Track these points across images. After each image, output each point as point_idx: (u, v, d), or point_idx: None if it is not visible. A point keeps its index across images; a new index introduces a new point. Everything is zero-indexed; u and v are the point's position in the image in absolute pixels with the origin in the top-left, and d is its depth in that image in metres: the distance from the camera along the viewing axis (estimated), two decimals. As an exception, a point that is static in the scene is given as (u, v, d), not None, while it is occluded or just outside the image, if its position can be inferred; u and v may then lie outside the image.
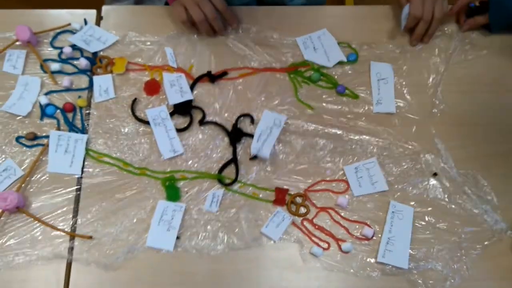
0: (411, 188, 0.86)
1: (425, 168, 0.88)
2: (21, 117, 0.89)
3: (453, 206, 0.84)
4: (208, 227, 0.82)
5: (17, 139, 0.87)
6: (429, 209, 0.84)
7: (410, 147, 0.90)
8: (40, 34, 0.95)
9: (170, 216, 0.82)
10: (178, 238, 0.81)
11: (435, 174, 0.87)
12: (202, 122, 0.91)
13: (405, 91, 0.95)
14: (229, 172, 0.87)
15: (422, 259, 0.80)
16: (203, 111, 0.92)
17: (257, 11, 1.04)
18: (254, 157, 0.88)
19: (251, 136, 0.90)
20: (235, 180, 0.86)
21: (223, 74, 0.95)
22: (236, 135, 0.90)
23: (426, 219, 0.83)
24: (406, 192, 0.85)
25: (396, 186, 0.86)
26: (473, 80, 0.97)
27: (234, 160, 0.88)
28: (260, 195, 0.85)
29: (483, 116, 0.94)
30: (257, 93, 0.94)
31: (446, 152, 0.89)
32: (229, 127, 0.91)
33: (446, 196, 0.85)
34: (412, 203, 0.85)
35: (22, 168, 0.84)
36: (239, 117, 0.91)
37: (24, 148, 0.86)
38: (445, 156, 0.88)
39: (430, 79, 0.97)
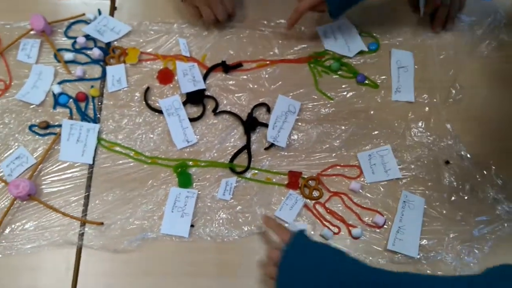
0: (424, 176, 0.85)
1: (438, 156, 0.86)
2: (34, 105, 0.89)
3: (465, 196, 0.83)
4: (222, 214, 0.81)
5: (30, 127, 0.87)
6: (441, 197, 0.83)
7: (424, 135, 0.88)
8: (54, 24, 0.95)
9: (183, 202, 0.81)
10: (192, 226, 0.80)
11: (447, 162, 0.85)
12: (216, 112, 0.89)
13: (423, 80, 0.93)
14: (242, 160, 0.86)
15: (432, 249, 0.79)
16: (216, 101, 0.90)
17: (274, 1, 1.02)
18: (269, 147, 0.86)
19: (266, 125, 0.88)
20: (247, 168, 0.84)
21: (238, 66, 0.93)
22: (251, 124, 0.88)
23: (438, 208, 0.82)
24: (418, 180, 0.84)
25: (408, 174, 0.85)
26: (491, 74, 0.94)
27: (247, 147, 0.86)
28: (273, 180, 0.84)
29: (499, 111, 0.91)
30: (274, 84, 0.92)
31: (459, 141, 0.87)
32: (244, 116, 0.89)
33: (458, 184, 0.84)
34: (424, 191, 0.83)
35: (35, 156, 0.85)
36: (255, 106, 0.90)
37: (37, 136, 0.86)
38: (458, 145, 0.87)
39: (448, 70, 0.94)
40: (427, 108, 0.91)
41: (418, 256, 0.78)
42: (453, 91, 0.92)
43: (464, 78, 0.93)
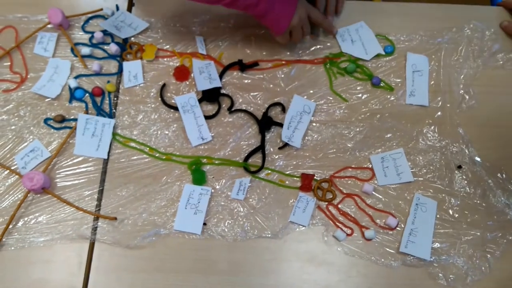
0: (435, 180, 0.83)
1: (450, 161, 0.84)
2: (50, 99, 0.86)
3: (477, 200, 0.81)
4: (235, 214, 0.79)
5: (45, 121, 0.84)
6: (453, 201, 0.81)
7: (437, 139, 0.86)
8: (72, 18, 0.93)
9: (197, 199, 0.79)
10: (204, 224, 0.77)
11: (459, 167, 0.83)
12: (231, 110, 0.87)
13: (437, 84, 0.91)
14: (256, 160, 0.83)
15: (444, 252, 0.77)
16: (231, 99, 0.88)
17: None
18: (283, 146, 0.84)
19: (280, 125, 0.85)
20: (261, 168, 0.82)
21: (254, 65, 0.91)
22: (266, 123, 0.86)
23: (450, 212, 0.80)
24: (430, 183, 0.82)
25: (421, 178, 0.83)
26: (505, 82, 0.92)
27: (261, 148, 0.84)
28: (286, 182, 0.82)
29: (511, 118, 0.89)
30: (289, 84, 0.90)
31: (471, 146, 0.85)
32: (258, 115, 0.86)
33: (470, 189, 0.82)
34: (436, 194, 0.81)
35: (49, 149, 0.82)
36: (270, 105, 0.87)
37: (52, 130, 0.84)
38: (471, 150, 0.85)
39: (462, 76, 0.91)
40: (440, 113, 0.88)
41: (431, 259, 0.76)
42: (467, 97, 0.90)
43: (478, 84, 0.91)
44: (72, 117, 0.85)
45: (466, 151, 0.85)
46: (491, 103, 0.89)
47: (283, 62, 0.92)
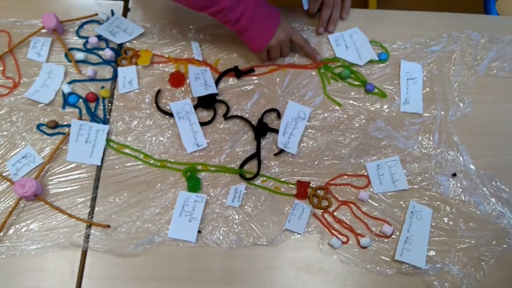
0: (430, 187, 0.80)
1: (445, 169, 0.82)
2: (43, 105, 0.83)
3: (471, 208, 0.79)
4: (230, 221, 0.76)
5: (38, 126, 0.81)
6: (448, 209, 0.79)
7: (431, 147, 0.83)
8: (66, 23, 0.89)
9: (192, 207, 0.76)
10: (199, 232, 0.74)
11: (454, 175, 0.81)
12: (227, 116, 0.84)
13: (431, 92, 0.88)
14: (252, 166, 0.80)
15: (439, 260, 0.75)
16: (227, 105, 0.84)
17: (287, 8, 0.97)
18: (279, 153, 0.81)
19: (276, 131, 0.82)
20: (257, 174, 0.79)
21: (250, 71, 0.88)
22: (261, 129, 0.83)
23: (445, 220, 0.78)
24: (425, 191, 0.80)
25: (416, 185, 0.80)
26: (499, 90, 0.90)
27: (257, 155, 0.81)
28: (282, 189, 0.79)
29: (506, 126, 0.87)
30: (284, 89, 0.87)
31: (466, 153, 0.83)
32: (254, 121, 0.83)
33: (465, 196, 0.79)
34: (431, 202, 0.79)
35: (42, 155, 0.78)
36: (265, 112, 0.84)
37: (45, 136, 0.80)
38: (465, 158, 0.82)
39: (456, 84, 0.89)
40: (435, 120, 0.86)
41: (426, 267, 0.74)
42: (461, 105, 0.87)
43: (472, 92, 0.89)
44: (65, 123, 0.81)
45: (461, 159, 0.82)
46: (485, 111, 0.87)
47: (278, 67, 0.89)
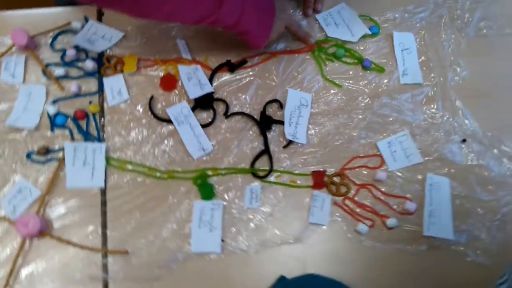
0: (443, 157, 0.76)
1: (454, 136, 0.78)
2: (28, 131, 0.72)
3: (485, 172, 0.75)
4: (251, 224, 0.70)
5: (28, 155, 0.71)
6: (464, 176, 0.75)
7: (437, 116, 0.79)
8: (37, 37, 0.78)
9: (209, 216, 0.69)
10: (222, 241, 0.68)
11: (464, 140, 0.77)
12: (227, 114, 0.76)
13: (426, 61, 0.83)
14: (263, 163, 0.74)
15: (465, 228, 0.72)
16: (226, 103, 0.77)
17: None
18: (288, 145, 0.75)
19: (281, 122, 0.76)
20: (270, 171, 0.73)
21: (242, 63, 0.80)
22: (265, 123, 0.76)
23: (463, 186, 0.74)
24: (439, 161, 0.75)
25: (429, 157, 0.76)
26: (491, 49, 0.85)
27: (266, 151, 0.74)
28: (298, 181, 0.73)
29: (503, 84, 0.83)
30: (280, 77, 0.80)
31: (471, 117, 0.79)
32: (256, 115, 0.76)
33: (478, 160, 0.76)
34: (448, 171, 0.75)
35: (38, 187, 0.69)
36: (266, 104, 0.77)
37: (37, 164, 0.71)
38: (471, 121, 0.79)
39: (450, 49, 0.84)
40: (435, 89, 0.81)
41: (454, 238, 0.70)
42: (458, 69, 0.83)
43: (466, 54, 0.84)
44: (57, 147, 0.72)
45: (467, 123, 0.79)
46: (482, 72, 0.83)
47: (270, 55, 0.81)
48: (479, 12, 0.88)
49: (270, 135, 0.76)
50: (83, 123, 0.73)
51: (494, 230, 0.71)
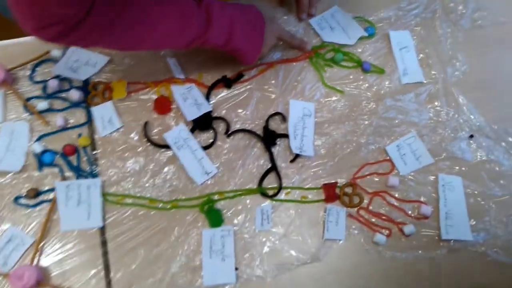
0: (453, 155, 0.72)
1: (461, 132, 0.74)
2: (14, 173, 0.65)
3: (495, 167, 0.72)
4: (265, 247, 0.64)
5: (16, 200, 0.64)
6: (475, 172, 0.71)
7: (442, 113, 0.75)
8: (15, 70, 0.71)
9: (220, 244, 0.63)
10: (236, 269, 0.62)
11: (471, 136, 0.74)
12: (229, 133, 0.71)
13: (425, 58, 0.80)
14: (271, 180, 0.69)
15: (482, 227, 0.68)
16: (226, 121, 0.71)
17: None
18: (295, 158, 0.70)
19: (286, 136, 0.71)
20: (279, 189, 0.68)
21: (239, 77, 0.75)
22: (269, 138, 0.71)
23: (475, 184, 0.71)
24: (449, 160, 0.72)
25: (439, 157, 0.72)
26: (488, 39, 0.82)
27: (273, 168, 0.69)
28: (309, 196, 0.68)
29: (502, 75, 0.80)
30: (280, 88, 0.75)
31: (476, 111, 0.75)
32: (259, 131, 0.71)
33: (487, 156, 0.73)
34: (458, 170, 0.72)
35: (31, 234, 0.62)
36: (268, 117, 0.72)
37: (27, 209, 0.64)
38: (476, 116, 0.75)
39: (448, 43, 0.81)
40: (438, 86, 0.78)
41: (473, 239, 0.67)
42: (457, 63, 0.80)
43: (464, 48, 0.81)
44: (47, 188, 0.65)
45: (472, 118, 0.75)
46: (481, 63, 0.80)
47: (267, 65, 0.76)
48: (472, 2, 0.85)
49: (275, 150, 0.71)
50: (73, 159, 0.67)
51: (511, 225, 0.68)
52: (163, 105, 0.71)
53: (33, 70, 0.72)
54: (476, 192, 0.70)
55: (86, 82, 0.72)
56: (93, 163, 0.67)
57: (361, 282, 0.64)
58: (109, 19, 0.54)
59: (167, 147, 0.69)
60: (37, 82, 0.71)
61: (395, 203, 0.69)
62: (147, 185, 0.67)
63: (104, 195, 0.65)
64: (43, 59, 0.73)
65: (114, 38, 0.56)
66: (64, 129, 0.69)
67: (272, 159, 0.69)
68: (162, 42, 0.62)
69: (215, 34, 0.63)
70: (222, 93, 0.74)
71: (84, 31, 0.52)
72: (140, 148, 0.69)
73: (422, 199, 0.69)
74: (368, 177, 0.70)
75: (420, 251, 0.66)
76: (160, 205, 0.65)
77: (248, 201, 0.67)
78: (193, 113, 0.70)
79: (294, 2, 0.81)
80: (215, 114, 0.72)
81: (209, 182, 0.68)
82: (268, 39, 0.72)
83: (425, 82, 0.78)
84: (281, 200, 0.67)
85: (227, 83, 0.74)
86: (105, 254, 0.62)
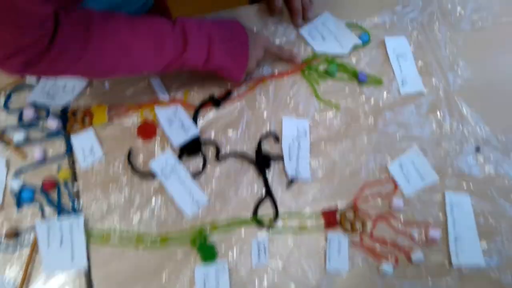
0: (459, 171, 0.67)
1: (465, 145, 0.69)
2: (-10, 213, 0.60)
3: (506, 179, 0.67)
4: (263, 282, 0.59)
5: (-7, 243, 0.59)
6: (483, 188, 0.66)
7: (446, 124, 0.70)
8: (-14, 100, 0.66)
9: (215, 282, 0.59)
10: (233, 311, 0.57)
11: (478, 149, 0.69)
12: (219, 157, 0.66)
13: (424, 65, 0.75)
14: (266, 207, 0.64)
15: (494, 249, 0.63)
16: (216, 144, 0.66)
17: (244, 11, 0.78)
18: (291, 182, 0.65)
19: (280, 157, 0.66)
20: (276, 218, 0.63)
21: (227, 95, 0.69)
22: (263, 162, 0.66)
23: (485, 201, 0.66)
24: (456, 177, 0.67)
25: (444, 173, 0.67)
26: (489, 41, 0.77)
27: (268, 194, 0.64)
28: (308, 223, 0.63)
29: (507, 78, 0.75)
30: (272, 105, 0.70)
31: (481, 121, 0.71)
32: (251, 152, 0.66)
33: (496, 170, 0.67)
34: (465, 186, 0.67)
35: (11, 280, 0.57)
36: (260, 140, 0.67)
37: (6, 252, 0.59)
38: (482, 126, 0.70)
39: (447, 48, 0.76)
40: (439, 95, 0.72)
41: (486, 264, 0.62)
42: (458, 70, 0.75)
43: (464, 52, 0.76)
44: (27, 228, 0.60)
45: (478, 129, 0.70)
46: (484, 69, 0.75)
47: (254, 82, 0.71)
48: (471, 3, 0.79)
49: (270, 174, 0.66)
50: (54, 194, 0.62)
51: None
52: (147, 130, 0.66)
53: (7, 98, 0.66)
54: (485, 210, 0.65)
55: (64, 109, 0.67)
56: (74, 198, 0.62)
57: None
58: (77, 44, 0.49)
59: (153, 175, 0.64)
60: (12, 112, 0.66)
61: (400, 227, 0.64)
62: (134, 219, 0.62)
63: (88, 233, 0.60)
64: (17, 86, 0.67)
65: (85, 64, 0.52)
66: (42, 161, 0.63)
67: (266, 185, 0.64)
68: (137, 65, 0.57)
69: (193, 54, 0.59)
70: (210, 114, 0.69)
71: (50, 59, 0.48)
72: (125, 179, 0.63)
73: (429, 220, 0.64)
74: (370, 199, 0.65)
75: (430, 280, 0.61)
76: (149, 242, 0.60)
77: (242, 231, 0.62)
78: (179, 138, 0.65)
79: (286, 10, 0.76)
80: (204, 136, 0.67)
81: (200, 213, 0.63)
82: (254, 53, 0.66)
83: (425, 91, 0.73)
84: (279, 231, 0.63)
85: (215, 102, 0.68)
86: (91, 297, 0.57)
